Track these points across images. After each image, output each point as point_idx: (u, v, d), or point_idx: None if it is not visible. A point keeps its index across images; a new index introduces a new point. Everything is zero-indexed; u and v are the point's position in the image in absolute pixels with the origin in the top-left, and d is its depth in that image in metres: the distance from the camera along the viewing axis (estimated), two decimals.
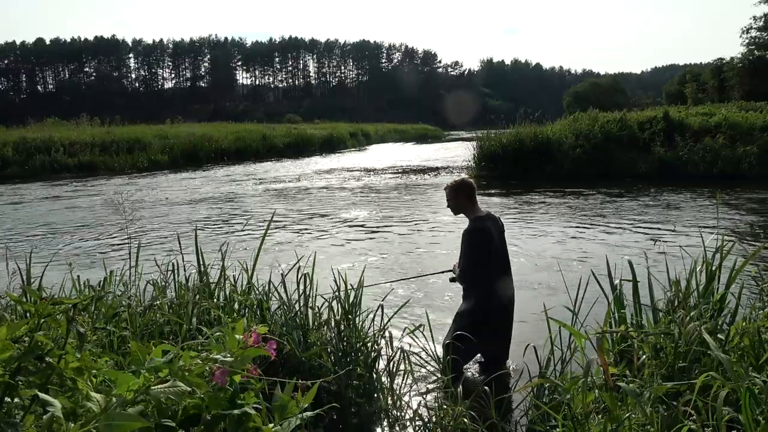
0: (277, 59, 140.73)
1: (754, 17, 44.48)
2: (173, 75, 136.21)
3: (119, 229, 9.57)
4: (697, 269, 3.27)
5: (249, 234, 9.01)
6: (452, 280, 4.04)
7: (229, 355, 1.29)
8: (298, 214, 11.37)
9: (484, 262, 3.63)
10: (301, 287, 3.38)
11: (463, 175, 4.06)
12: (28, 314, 1.26)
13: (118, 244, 8.49)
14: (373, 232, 9.34)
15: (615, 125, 17.14)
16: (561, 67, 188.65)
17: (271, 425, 1.33)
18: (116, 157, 23.07)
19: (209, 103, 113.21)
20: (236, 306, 3.44)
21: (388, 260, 7.30)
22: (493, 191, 13.98)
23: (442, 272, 4.39)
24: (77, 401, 1.21)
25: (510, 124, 17.90)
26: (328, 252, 7.65)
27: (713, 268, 3.26)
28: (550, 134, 16.88)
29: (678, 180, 14.63)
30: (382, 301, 3.33)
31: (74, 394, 1.24)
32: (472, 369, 3.95)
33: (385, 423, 2.91)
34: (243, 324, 1.39)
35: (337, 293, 3.32)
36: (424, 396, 3.01)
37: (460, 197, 3.76)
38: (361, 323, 3.28)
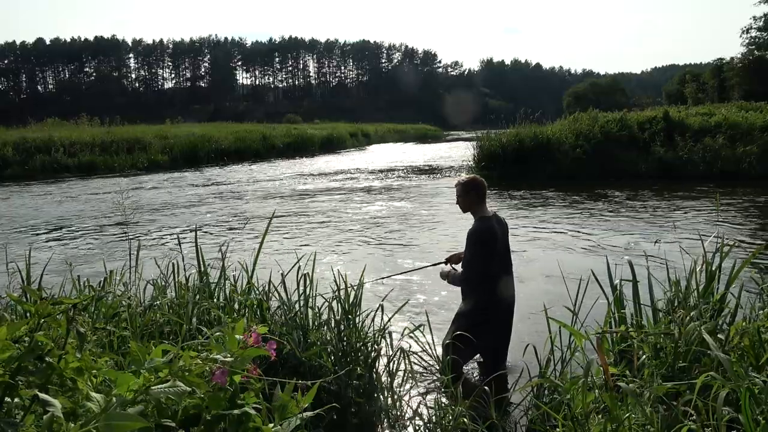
0: (277, 59, 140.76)
1: (754, 17, 44.59)
2: (173, 75, 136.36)
3: (119, 229, 9.58)
4: (697, 269, 3.27)
5: (249, 234, 9.01)
6: (443, 276, 3.94)
7: (229, 355, 1.29)
8: (298, 214, 11.37)
9: (487, 263, 3.62)
10: (301, 287, 3.38)
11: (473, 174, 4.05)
12: (28, 314, 1.26)
13: (118, 244, 8.50)
14: (374, 231, 9.33)
15: (615, 125, 17.13)
16: (561, 67, 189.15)
17: (271, 425, 1.33)
18: (116, 157, 23.08)
19: (209, 103, 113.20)
20: (236, 306, 3.43)
21: (389, 260, 7.30)
22: (493, 191, 13.98)
23: (434, 264, 4.37)
24: (77, 401, 1.21)
25: (510, 124, 17.88)
26: (328, 252, 7.65)
27: (713, 268, 3.26)
28: (550, 134, 16.87)
29: (678, 180, 14.62)
30: (382, 301, 3.33)
31: (74, 394, 1.24)
32: (472, 369, 3.95)
33: (385, 423, 2.91)
34: (243, 324, 1.39)
35: (337, 293, 3.32)
36: (424, 396, 3.01)
37: (470, 195, 3.76)
38: (361, 323, 3.28)
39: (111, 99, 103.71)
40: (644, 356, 2.69)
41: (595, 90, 64.27)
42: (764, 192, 12.39)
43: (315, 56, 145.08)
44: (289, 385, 1.43)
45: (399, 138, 51.83)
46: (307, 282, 3.40)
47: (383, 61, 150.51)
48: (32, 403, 1.13)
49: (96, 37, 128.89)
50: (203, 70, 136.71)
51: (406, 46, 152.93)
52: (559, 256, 7.25)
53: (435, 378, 3.31)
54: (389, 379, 3.01)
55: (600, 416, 2.20)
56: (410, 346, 3.26)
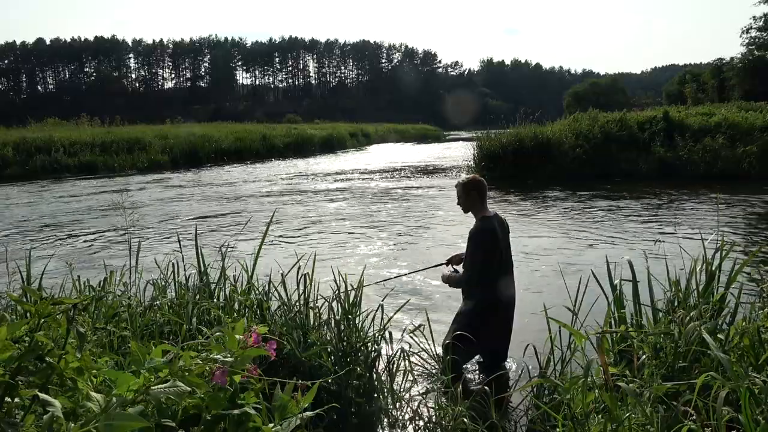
0: (277, 59, 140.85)
1: (754, 17, 44.43)
2: (173, 75, 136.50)
3: (119, 229, 9.58)
4: (697, 269, 3.26)
5: (249, 234, 9.01)
6: (445, 280, 3.92)
7: (229, 355, 1.29)
8: (298, 214, 11.37)
9: (488, 263, 3.62)
10: (301, 287, 3.38)
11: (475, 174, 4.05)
12: (28, 314, 1.26)
13: (118, 244, 8.49)
14: (374, 232, 9.33)
15: (615, 125, 17.13)
16: (561, 67, 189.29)
17: (271, 425, 1.33)
18: (116, 157, 23.07)
19: (209, 103, 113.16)
20: (236, 306, 3.43)
21: (389, 260, 7.30)
22: (493, 191, 13.97)
23: (435, 266, 4.36)
24: (77, 401, 1.21)
25: (510, 124, 17.88)
26: (328, 252, 7.65)
27: (713, 268, 3.26)
28: (550, 134, 16.86)
29: (678, 180, 14.62)
30: (382, 301, 3.33)
31: (74, 394, 1.24)
32: (472, 369, 3.95)
33: (385, 423, 2.91)
34: (243, 324, 1.39)
35: (337, 293, 3.32)
36: (424, 396, 3.01)
37: (471, 195, 3.75)
38: (361, 323, 3.28)
39: (111, 99, 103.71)
40: (644, 356, 2.69)
41: (595, 90, 64.13)
42: (764, 192, 12.39)
43: (315, 56, 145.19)
44: (289, 385, 1.43)
45: (399, 138, 51.82)
46: (307, 282, 3.39)
47: (383, 61, 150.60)
48: (32, 403, 1.13)
49: (96, 37, 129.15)
50: (203, 70, 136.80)
51: (406, 46, 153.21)
52: (559, 255, 7.25)
53: (435, 378, 3.31)
54: (389, 379, 3.01)
55: (600, 416, 2.20)
56: (410, 346, 3.26)
